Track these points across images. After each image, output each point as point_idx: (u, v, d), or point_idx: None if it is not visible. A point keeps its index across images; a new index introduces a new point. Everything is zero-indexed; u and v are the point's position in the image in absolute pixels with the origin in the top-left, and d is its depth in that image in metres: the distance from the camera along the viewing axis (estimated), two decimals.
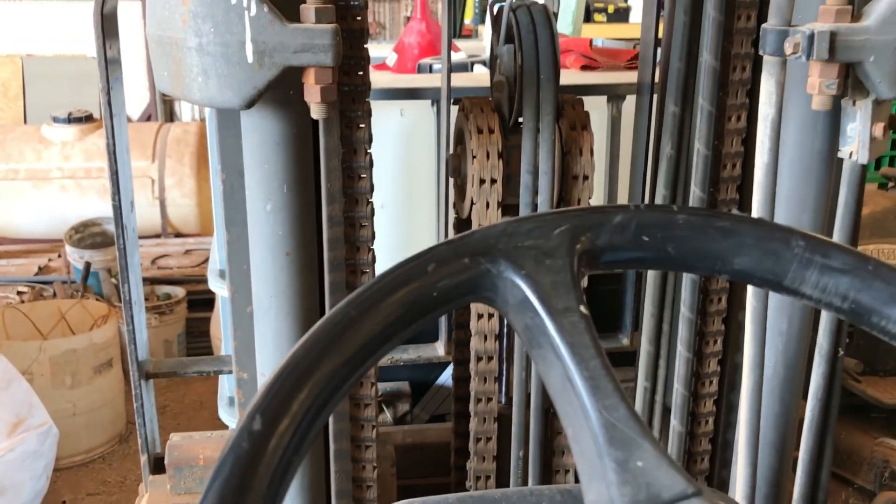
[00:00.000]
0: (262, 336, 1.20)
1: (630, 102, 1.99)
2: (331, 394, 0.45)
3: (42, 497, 2.65)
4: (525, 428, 1.48)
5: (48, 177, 4.78)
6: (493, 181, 1.42)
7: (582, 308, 0.48)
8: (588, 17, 6.52)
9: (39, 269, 4.45)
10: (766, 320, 1.18)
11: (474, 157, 1.43)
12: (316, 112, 1.05)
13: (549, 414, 1.50)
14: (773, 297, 1.23)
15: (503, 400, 1.58)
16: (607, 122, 2.14)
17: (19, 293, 4.16)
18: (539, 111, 1.38)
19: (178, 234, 4.83)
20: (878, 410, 3.18)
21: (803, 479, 1.32)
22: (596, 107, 2.07)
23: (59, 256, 4.49)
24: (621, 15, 6.59)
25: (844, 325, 1.27)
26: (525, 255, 0.50)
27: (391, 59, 2.81)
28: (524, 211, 1.43)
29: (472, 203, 1.45)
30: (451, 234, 1.80)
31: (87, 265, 4.05)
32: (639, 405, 1.49)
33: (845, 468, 3.12)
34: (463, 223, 1.59)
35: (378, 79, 2.20)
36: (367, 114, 1.24)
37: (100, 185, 4.78)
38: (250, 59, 1.00)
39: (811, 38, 0.99)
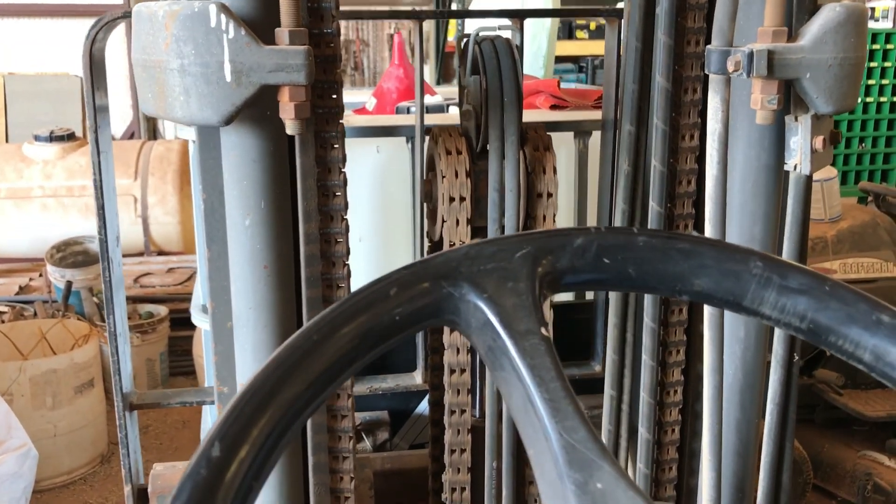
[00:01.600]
0: (241, 348, 1.24)
1: (596, 137, 2.07)
2: (292, 419, 0.45)
3: None
4: (498, 439, 1.52)
5: (29, 195, 4.79)
6: (462, 199, 1.48)
7: (543, 330, 0.49)
8: (570, 34, 6.61)
9: (20, 288, 4.45)
10: (723, 327, 1.23)
11: (444, 177, 1.48)
12: (290, 128, 1.10)
13: None
14: None
15: (477, 414, 1.61)
16: (575, 156, 2.22)
17: (0, 313, 4.16)
18: (504, 133, 1.44)
19: (161, 253, 4.84)
20: (860, 423, 3.23)
21: (766, 483, 1.37)
22: (564, 142, 2.16)
23: (41, 275, 4.49)
24: (603, 32, 6.68)
25: None
26: (487, 278, 0.50)
27: (370, 103, 2.89)
28: (492, 227, 1.48)
29: (443, 221, 1.50)
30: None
31: (69, 284, 4.06)
32: (606, 413, 1.54)
33: (828, 481, 3.16)
34: (435, 245, 1.64)
35: (356, 119, 2.24)
36: (341, 134, 1.29)
37: (82, 204, 4.79)
38: (228, 78, 1.05)
39: (751, 56, 1.06)
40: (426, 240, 1.73)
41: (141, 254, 4.80)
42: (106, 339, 3.92)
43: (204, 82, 1.05)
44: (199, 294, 2.15)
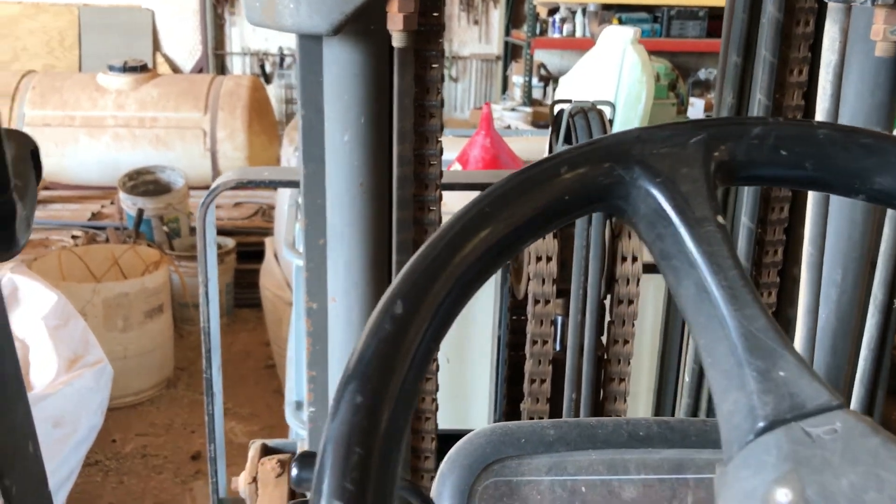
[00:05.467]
0: (333, 264, 1.25)
1: None
2: (466, 286, 0.45)
3: (97, 432, 2.75)
4: (578, 372, 1.52)
5: (102, 125, 4.88)
6: (549, 258, 1.48)
7: (719, 218, 0.47)
8: None
9: (93, 214, 4.56)
10: (821, 270, 1.20)
11: None
12: (397, 40, 1.09)
13: (601, 360, 1.53)
14: (830, 247, 1.25)
15: (557, 347, 1.61)
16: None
17: (73, 237, 4.27)
18: None
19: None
20: None
21: None
22: None
23: (112, 203, 4.59)
24: None
25: None
26: (660, 163, 0.48)
27: (455, 168, 2.82)
28: (576, 287, 1.48)
29: (529, 280, 1.50)
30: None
31: (140, 212, 4.14)
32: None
33: None
34: (518, 304, 1.63)
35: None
36: (441, 53, 1.27)
37: (152, 135, 4.87)
38: None
39: None
40: (508, 296, 1.72)
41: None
42: (176, 267, 4.01)
43: None
44: (284, 231, 2.16)
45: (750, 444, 0.41)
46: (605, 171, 0.48)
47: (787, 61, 1.33)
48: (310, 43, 1.21)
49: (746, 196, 1.40)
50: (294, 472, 0.56)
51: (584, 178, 0.48)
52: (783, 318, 1.47)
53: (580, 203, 0.48)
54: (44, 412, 2.41)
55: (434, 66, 1.28)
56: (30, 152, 0.62)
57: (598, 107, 1.52)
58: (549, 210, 0.47)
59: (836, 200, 1.25)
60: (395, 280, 0.44)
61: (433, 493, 0.67)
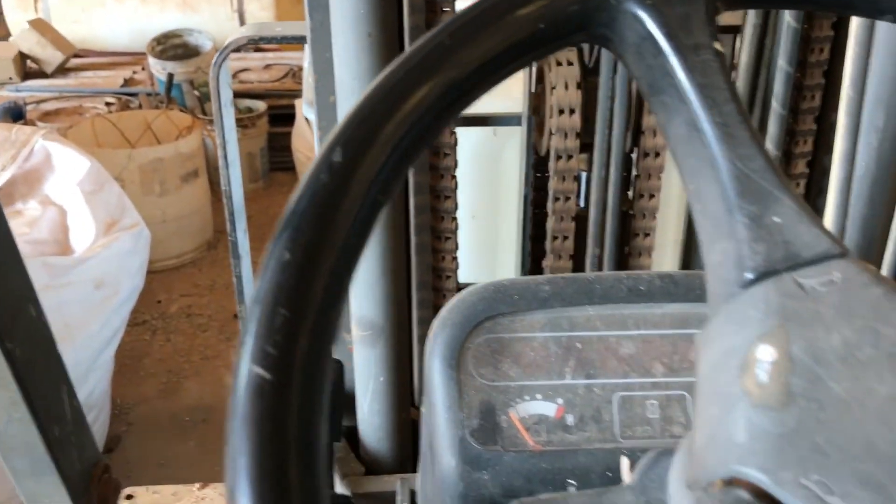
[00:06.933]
0: None
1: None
2: (421, 131, 0.39)
3: (138, 293, 2.82)
4: (601, 228, 1.48)
5: None
6: (572, 111, 1.37)
7: (716, 45, 0.41)
8: None
9: (125, 80, 4.52)
10: (860, 113, 1.13)
11: (553, 87, 1.37)
12: None
13: (626, 216, 1.49)
14: (871, 89, 1.17)
15: (582, 203, 1.57)
16: None
17: (107, 104, 4.25)
18: None
19: (258, 49, 4.81)
20: None
21: None
22: None
23: (143, 69, 4.54)
24: None
25: None
26: None
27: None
28: (601, 138, 1.38)
29: (551, 134, 1.40)
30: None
31: (170, 77, 4.09)
32: None
33: None
34: (540, 161, 1.54)
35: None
36: None
37: None
38: None
39: None
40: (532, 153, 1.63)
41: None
42: (208, 131, 3.99)
43: None
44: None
45: (736, 297, 0.37)
46: None
47: None
48: None
49: (784, 36, 1.30)
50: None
51: (562, 5, 0.41)
52: (819, 166, 1.41)
53: (558, 32, 0.42)
54: (85, 274, 2.46)
55: None
56: None
57: None
58: (520, 44, 0.41)
59: (880, 37, 1.16)
60: (338, 124, 0.39)
61: (426, 352, 0.65)
